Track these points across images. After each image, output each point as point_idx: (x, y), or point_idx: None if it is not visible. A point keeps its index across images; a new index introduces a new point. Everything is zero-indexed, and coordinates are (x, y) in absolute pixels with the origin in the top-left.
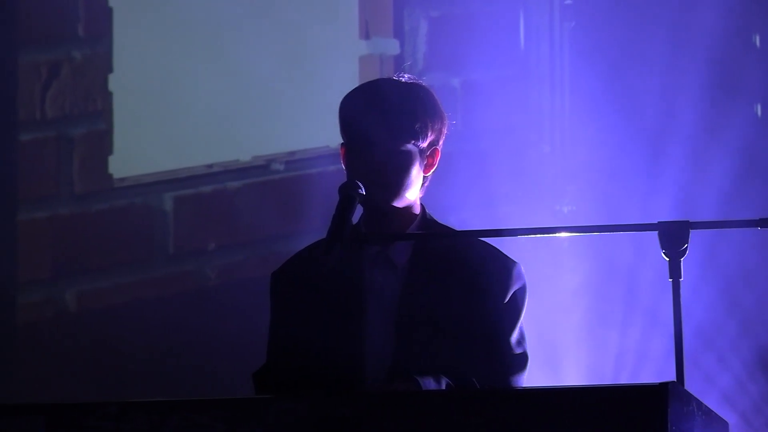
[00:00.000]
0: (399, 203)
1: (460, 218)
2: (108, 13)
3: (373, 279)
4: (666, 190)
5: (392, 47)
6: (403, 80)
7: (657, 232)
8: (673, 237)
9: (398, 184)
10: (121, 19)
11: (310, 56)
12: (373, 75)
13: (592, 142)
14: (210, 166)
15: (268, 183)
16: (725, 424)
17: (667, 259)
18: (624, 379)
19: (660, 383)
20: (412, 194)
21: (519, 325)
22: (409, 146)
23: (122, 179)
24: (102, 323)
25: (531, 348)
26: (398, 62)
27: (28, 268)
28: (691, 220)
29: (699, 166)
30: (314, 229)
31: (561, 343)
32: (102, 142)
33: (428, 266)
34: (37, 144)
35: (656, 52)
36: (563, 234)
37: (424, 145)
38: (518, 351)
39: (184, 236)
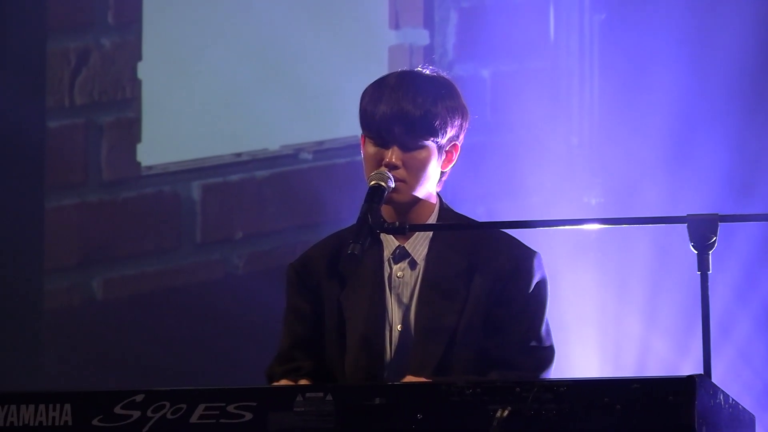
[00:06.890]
0: (414, 197)
1: (488, 209)
2: (137, 0)
3: (392, 272)
4: (695, 183)
5: (422, 38)
6: (427, 73)
7: (686, 225)
8: (702, 230)
9: (414, 180)
10: (150, 7)
11: (340, 45)
12: (403, 65)
13: (621, 134)
14: (238, 154)
15: (296, 172)
16: (752, 417)
17: (696, 252)
18: (650, 372)
19: (687, 376)
20: (429, 188)
21: (545, 316)
22: (427, 143)
23: (150, 167)
24: (128, 311)
25: (556, 339)
26: (428, 53)
27: (55, 255)
28: (720, 213)
29: (728, 160)
30: (342, 219)
31: (587, 335)
32: (130, 130)
33: (447, 259)
34: (66, 131)
35: (686, 45)
36: (591, 226)
37: (443, 141)
38: (547, 343)
39: (211, 225)
